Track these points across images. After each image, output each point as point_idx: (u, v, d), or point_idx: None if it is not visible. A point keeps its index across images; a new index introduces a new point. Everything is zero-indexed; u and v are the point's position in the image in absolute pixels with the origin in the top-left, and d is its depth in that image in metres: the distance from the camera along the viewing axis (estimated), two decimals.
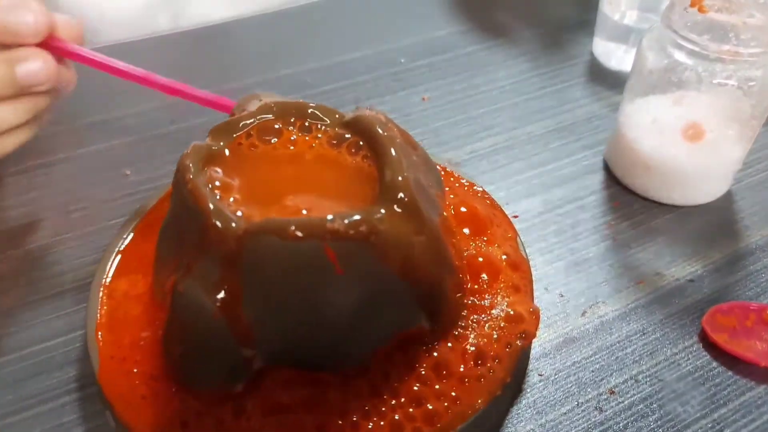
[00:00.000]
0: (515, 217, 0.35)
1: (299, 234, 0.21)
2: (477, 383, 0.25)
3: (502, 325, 0.26)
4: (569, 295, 0.32)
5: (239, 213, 0.23)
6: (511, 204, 0.36)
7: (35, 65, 0.32)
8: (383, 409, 0.24)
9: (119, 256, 0.30)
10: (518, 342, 0.26)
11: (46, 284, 0.32)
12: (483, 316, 0.27)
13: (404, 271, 0.23)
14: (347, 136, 0.26)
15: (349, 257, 0.22)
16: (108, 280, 0.29)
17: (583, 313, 0.31)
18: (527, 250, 0.33)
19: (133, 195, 0.37)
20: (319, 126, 0.27)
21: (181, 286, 0.23)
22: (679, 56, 0.32)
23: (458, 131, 0.41)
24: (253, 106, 0.28)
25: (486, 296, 0.28)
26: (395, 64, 0.47)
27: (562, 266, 0.33)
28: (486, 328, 0.26)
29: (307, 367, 0.24)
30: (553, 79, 0.45)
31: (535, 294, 0.31)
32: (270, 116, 0.27)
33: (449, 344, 0.26)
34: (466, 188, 0.33)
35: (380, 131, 0.25)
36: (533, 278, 0.31)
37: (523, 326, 0.27)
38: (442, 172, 0.33)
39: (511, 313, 0.27)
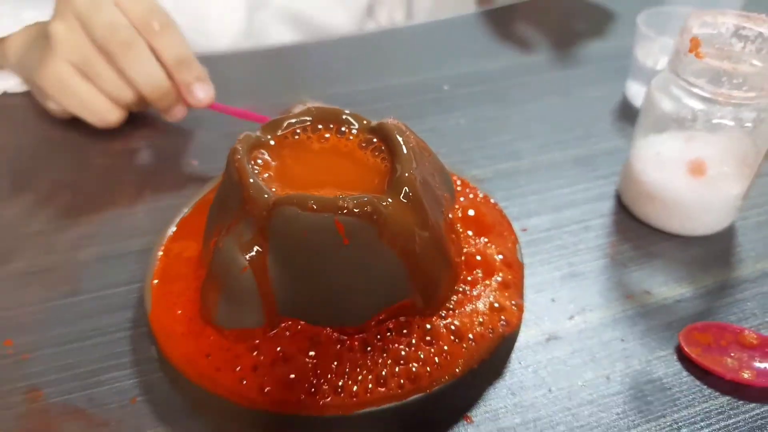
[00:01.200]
0: (524, 230, 0.39)
1: (314, 206, 0.26)
2: (456, 355, 0.29)
3: (485, 312, 0.30)
4: (560, 300, 0.35)
5: (273, 189, 0.28)
6: (522, 219, 0.40)
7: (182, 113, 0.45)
8: (370, 364, 0.28)
9: (177, 226, 0.36)
10: (500, 329, 0.30)
11: (118, 245, 0.38)
12: (469, 304, 0.31)
13: (404, 253, 0.28)
14: (374, 140, 0.32)
15: (355, 231, 0.27)
16: (166, 243, 0.34)
17: (571, 317, 0.34)
18: (529, 259, 0.37)
19: (196, 180, 0.43)
20: (351, 130, 0.32)
21: (221, 243, 0.28)
22: (682, 97, 0.35)
23: (486, 152, 0.45)
24: (298, 110, 0.33)
25: (477, 287, 0.32)
26: (439, 90, 0.52)
27: (559, 275, 0.36)
28: (468, 310, 0.30)
29: (313, 321, 0.29)
30: (583, 114, 0.49)
31: (528, 295, 0.35)
32: (310, 118, 0.32)
33: (436, 320, 0.30)
34: (479, 199, 0.37)
35: (398, 136, 0.30)
36: (528, 282, 0.35)
37: (506, 316, 0.31)
38: (459, 183, 0.38)
39: (496, 305, 0.31)
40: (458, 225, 0.34)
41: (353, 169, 0.31)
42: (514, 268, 0.33)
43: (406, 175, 0.29)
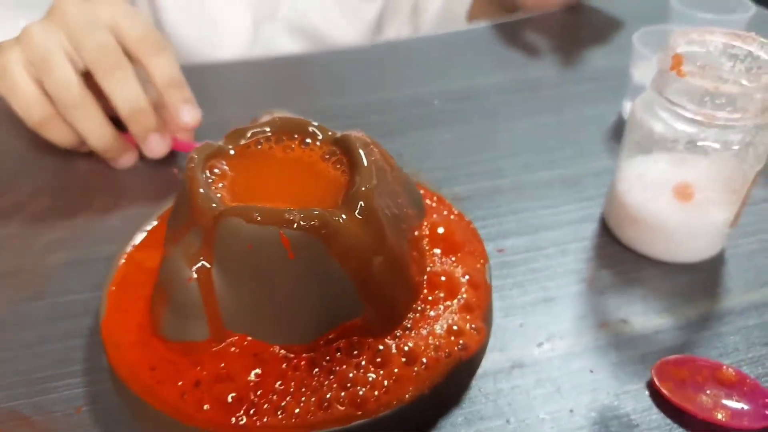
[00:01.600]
0: (500, 251, 0.38)
1: (259, 218, 0.26)
2: (406, 379, 0.28)
3: (442, 335, 0.29)
4: (529, 326, 0.34)
5: (223, 199, 0.28)
6: (499, 240, 0.39)
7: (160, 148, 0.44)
8: (314, 384, 0.27)
9: (144, 234, 0.35)
10: (457, 353, 0.29)
11: (88, 250, 0.38)
12: (426, 325, 0.30)
13: (355, 271, 0.27)
14: (337, 152, 0.31)
15: (301, 246, 0.26)
16: (129, 250, 0.34)
17: (539, 344, 0.33)
18: (500, 281, 0.35)
19: (177, 189, 0.43)
20: (316, 141, 0.31)
21: (169, 252, 0.28)
22: (666, 118, 0.34)
23: (468, 169, 0.44)
24: (265, 120, 0.33)
25: (437, 308, 0.30)
26: (429, 105, 0.51)
27: (530, 300, 0.35)
28: (425, 332, 0.29)
29: (261, 337, 0.28)
30: (574, 133, 0.48)
31: (496, 319, 0.34)
32: (272, 128, 0.31)
33: (390, 341, 0.29)
34: (453, 217, 0.36)
35: (359, 149, 0.30)
36: (497, 305, 0.34)
37: (464, 339, 0.29)
38: (434, 199, 0.36)
39: (455, 327, 0.30)
40: (425, 242, 0.33)
41: (312, 181, 0.30)
42: (481, 289, 0.32)
43: (363, 189, 0.28)
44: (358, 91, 0.54)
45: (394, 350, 0.28)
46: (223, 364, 0.28)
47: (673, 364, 0.31)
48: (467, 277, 0.32)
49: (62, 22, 0.41)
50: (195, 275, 0.27)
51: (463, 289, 0.32)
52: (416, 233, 0.33)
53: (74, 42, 0.41)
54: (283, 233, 0.26)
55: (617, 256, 0.38)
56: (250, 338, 0.28)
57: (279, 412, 0.26)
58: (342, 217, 0.27)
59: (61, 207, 0.42)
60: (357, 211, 0.27)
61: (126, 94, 0.41)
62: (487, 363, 0.32)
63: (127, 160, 0.44)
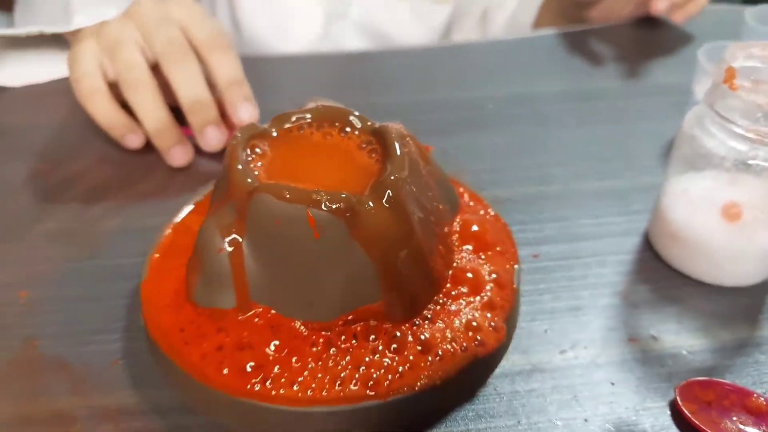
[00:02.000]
0: (535, 256, 0.38)
1: (288, 196, 0.27)
2: (419, 368, 0.28)
3: (459, 329, 0.29)
4: (554, 332, 0.33)
5: (255, 174, 0.29)
6: (536, 245, 0.38)
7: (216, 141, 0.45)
8: (330, 364, 0.28)
9: (191, 207, 0.37)
10: (473, 348, 0.29)
11: (142, 220, 0.41)
12: (446, 317, 0.30)
13: (377, 256, 0.28)
14: (373, 142, 0.32)
15: (326, 226, 0.27)
16: (175, 221, 0.36)
17: (562, 351, 0.32)
18: (531, 286, 0.35)
19: None
20: (354, 131, 0.32)
21: (204, 223, 0.29)
22: (716, 133, 0.33)
23: (516, 173, 0.44)
24: (323, 108, 0.34)
25: (459, 302, 0.31)
26: (482, 108, 0.51)
27: (560, 306, 0.35)
28: (442, 325, 0.29)
29: (284, 311, 0.29)
30: (629, 146, 0.47)
31: (521, 323, 0.33)
32: (312, 116, 0.33)
33: (407, 329, 0.29)
34: (489, 217, 0.36)
35: (395, 140, 0.30)
36: (524, 309, 0.34)
37: (482, 336, 0.29)
38: (471, 200, 0.37)
39: (474, 323, 0.30)
40: (455, 237, 0.34)
41: (347, 167, 0.31)
42: (506, 290, 0.32)
43: (392, 178, 0.29)
44: (414, 89, 0.54)
45: (410, 338, 0.29)
46: (245, 333, 0.29)
47: (700, 386, 0.30)
48: (494, 276, 0.32)
49: (137, 18, 0.44)
50: (226, 246, 0.28)
51: (488, 287, 0.32)
52: (446, 229, 0.33)
53: (146, 35, 0.43)
54: (310, 212, 0.27)
55: (656, 273, 0.37)
56: (273, 311, 0.29)
57: (294, 386, 0.27)
58: (368, 203, 0.27)
59: (121, 177, 0.44)
60: (384, 198, 0.28)
61: (189, 84, 0.43)
62: (507, 364, 0.32)
63: (181, 154, 0.45)
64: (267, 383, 0.27)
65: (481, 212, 0.37)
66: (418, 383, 0.28)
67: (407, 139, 0.31)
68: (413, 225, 0.29)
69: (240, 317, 0.29)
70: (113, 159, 0.46)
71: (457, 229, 0.34)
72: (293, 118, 0.33)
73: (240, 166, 0.29)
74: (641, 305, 0.35)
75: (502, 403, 0.30)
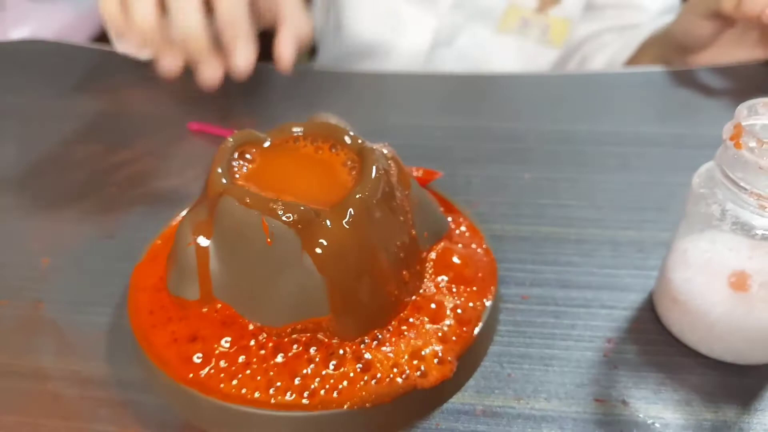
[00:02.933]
0: (524, 297, 0.36)
1: (248, 202, 0.28)
2: (354, 388, 0.28)
3: (404, 356, 0.29)
4: (518, 378, 0.32)
5: (239, 182, 0.31)
6: (529, 287, 0.37)
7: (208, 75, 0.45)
8: (272, 368, 0.29)
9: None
10: (413, 379, 0.29)
11: (164, 209, 0.44)
12: (393, 342, 0.30)
13: (326, 272, 0.28)
14: (356, 161, 0.32)
15: (279, 235, 0.28)
16: (183, 213, 0.39)
17: (519, 399, 0.31)
18: (509, 327, 0.35)
19: None
20: (343, 149, 0.33)
21: (183, 218, 0.32)
22: (722, 193, 0.30)
23: (533, 211, 0.43)
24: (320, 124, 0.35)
25: (413, 331, 0.30)
26: (523, 141, 0.50)
27: (533, 353, 0.33)
28: (387, 349, 0.29)
29: (239, 311, 0.31)
30: (667, 199, 0.44)
31: (486, 363, 0.33)
32: (306, 130, 0.34)
33: (352, 347, 0.30)
34: (480, 251, 0.36)
35: (373, 161, 0.31)
36: (493, 349, 0.33)
37: (426, 367, 0.29)
38: (467, 231, 0.36)
39: (423, 353, 0.30)
40: (429, 265, 0.33)
41: (327, 182, 0.32)
42: (468, 327, 0.31)
43: (357, 197, 0.29)
44: (458, 114, 0.54)
45: (350, 356, 0.29)
46: (202, 325, 0.31)
47: None
48: (459, 311, 0.32)
49: None
50: (194, 241, 0.30)
51: (447, 321, 0.31)
52: (423, 255, 0.33)
53: None
54: (265, 220, 0.28)
55: (649, 335, 0.34)
56: (233, 310, 0.31)
57: (233, 381, 0.29)
58: (326, 219, 0.28)
59: (160, 170, 0.48)
60: (345, 216, 0.29)
61: (184, 15, 0.42)
62: (457, 401, 0.31)
63: (211, 71, 0.44)
64: (210, 374, 0.29)
65: (473, 245, 0.36)
66: (348, 403, 0.28)
67: (389, 161, 0.32)
68: (371, 246, 0.29)
69: (203, 310, 0.31)
70: (158, 153, 0.50)
71: (433, 257, 0.34)
72: (290, 130, 0.34)
73: (219, 169, 0.31)
74: (622, 366, 0.33)
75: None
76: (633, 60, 0.69)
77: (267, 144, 0.34)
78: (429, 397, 0.30)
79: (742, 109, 0.30)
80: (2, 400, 0.31)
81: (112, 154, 0.50)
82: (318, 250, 0.28)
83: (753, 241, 0.30)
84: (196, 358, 0.29)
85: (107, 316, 0.35)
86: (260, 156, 0.33)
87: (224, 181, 0.30)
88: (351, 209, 0.29)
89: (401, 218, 0.31)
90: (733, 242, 0.31)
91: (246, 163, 0.32)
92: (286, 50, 0.48)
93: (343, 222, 0.28)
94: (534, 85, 0.59)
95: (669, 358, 0.33)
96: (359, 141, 0.33)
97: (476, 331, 0.31)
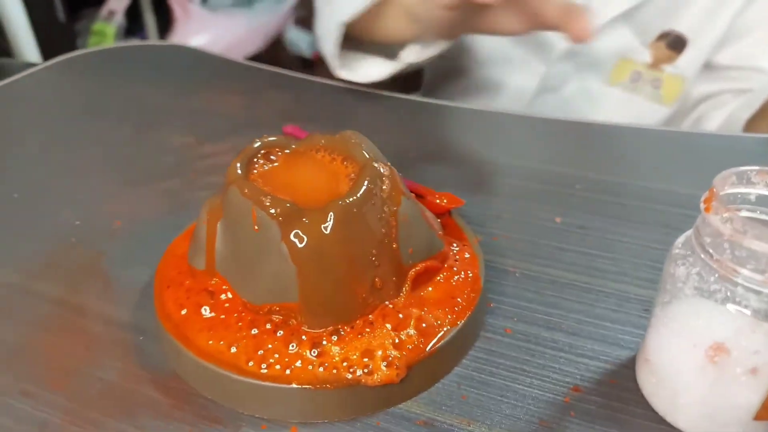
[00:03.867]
0: (507, 331, 0.37)
1: (246, 192, 0.33)
2: (305, 372, 0.32)
3: (356, 353, 0.32)
4: (469, 402, 0.33)
5: (255, 172, 0.36)
6: (513, 321, 0.38)
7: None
8: (242, 338, 0.33)
9: None
10: (359, 375, 0.32)
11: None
12: (352, 339, 0.33)
13: (299, 263, 0.32)
14: (356, 173, 0.36)
15: (264, 224, 0.32)
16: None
17: (461, 420, 0.32)
18: (482, 355, 0.36)
19: None
20: (351, 162, 0.37)
21: (208, 199, 0.37)
22: (695, 262, 0.30)
23: (548, 253, 0.43)
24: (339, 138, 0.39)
25: (374, 333, 0.33)
26: (569, 187, 0.50)
27: (494, 383, 0.34)
28: (340, 344, 0.32)
29: (233, 285, 0.35)
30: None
31: (445, 381, 0.35)
32: (327, 142, 0.38)
33: (315, 336, 0.33)
34: (470, 278, 0.37)
35: (366, 177, 0.34)
36: (458, 371, 0.35)
37: (374, 366, 0.32)
38: (467, 255, 0.38)
39: (377, 353, 0.32)
40: (409, 278, 0.36)
41: (328, 188, 0.36)
42: (427, 340, 0.33)
43: (339, 203, 0.33)
44: (522, 152, 0.55)
45: (308, 342, 0.33)
46: (198, 292, 0.36)
47: None
48: (424, 325, 0.34)
49: None
50: (206, 221, 0.36)
51: (409, 331, 0.33)
52: (405, 268, 0.36)
53: None
54: (254, 209, 0.32)
55: (621, 392, 0.34)
56: (228, 284, 0.36)
57: (209, 341, 0.33)
58: (305, 218, 0.32)
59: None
60: (324, 218, 0.32)
61: None
62: (403, 408, 0.33)
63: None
64: (190, 332, 0.34)
65: (468, 273, 0.38)
66: (296, 383, 0.31)
67: (384, 178, 0.35)
68: (344, 248, 0.33)
69: (211, 281, 0.36)
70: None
71: (412, 273, 0.36)
72: (315, 140, 0.39)
73: (238, 164, 0.36)
74: (579, 414, 0.33)
75: None
76: (752, 125, 0.65)
77: (291, 149, 0.38)
78: (377, 397, 0.32)
79: (730, 175, 0.29)
80: (45, 322, 0.39)
81: (202, 146, 0.58)
82: (294, 242, 0.32)
83: (725, 310, 0.29)
84: (182, 312, 0.35)
85: (147, 276, 0.42)
86: (283, 158, 0.38)
87: (239, 173, 0.35)
88: (331, 213, 0.32)
89: (383, 230, 0.34)
90: (705, 311, 0.30)
91: (268, 163, 0.37)
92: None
93: (321, 223, 0.32)
94: (610, 135, 0.59)
95: (632, 419, 0.32)
96: (366, 157, 0.37)
97: (433, 346, 0.33)
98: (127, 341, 0.37)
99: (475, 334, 0.37)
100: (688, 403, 0.31)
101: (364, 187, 0.34)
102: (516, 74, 0.74)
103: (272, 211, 0.32)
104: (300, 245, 0.32)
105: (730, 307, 0.28)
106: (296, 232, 0.32)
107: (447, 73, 0.80)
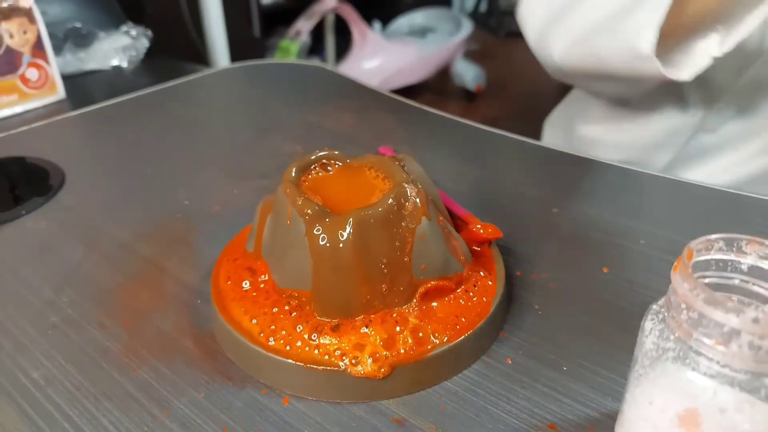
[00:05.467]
0: (507, 361, 0.39)
1: (287, 192, 0.39)
2: (304, 352, 0.37)
3: (348, 342, 0.36)
4: (447, 413, 0.36)
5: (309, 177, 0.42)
6: (516, 353, 0.39)
7: None
8: (264, 314, 0.39)
9: None
10: (345, 365, 0.36)
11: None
12: (348, 332, 0.37)
13: (315, 255, 0.37)
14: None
15: (295, 220, 0.38)
16: None
17: (432, 426, 0.35)
18: (474, 377, 0.38)
19: None
20: (392, 179, 0.41)
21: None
22: (664, 324, 0.30)
23: (581, 300, 0.44)
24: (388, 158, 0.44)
25: (371, 329, 0.37)
26: (634, 241, 0.50)
27: (472, 401, 0.36)
28: (332, 329, 0.37)
29: (270, 267, 0.41)
30: None
31: (431, 390, 0.37)
32: (375, 161, 0.43)
33: (320, 320, 0.38)
34: (483, 303, 0.40)
35: (392, 195, 0.38)
36: (448, 383, 0.38)
37: (360, 358, 0.36)
38: (488, 283, 0.41)
39: (365, 347, 0.36)
40: (422, 291, 0.39)
41: (362, 200, 0.40)
42: (420, 349, 0.37)
43: (361, 213, 0.37)
44: (587, 200, 0.56)
45: (311, 327, 0.37)
46: (242, 270, 0.42)
47: None
48: (420, 334, 0.37)
49: None
50: (259, 213, 0.42)
51: (406, 338, 0.37)
52: (415, 282, 0.39)
53: None
54: (289, 207, 0.38)
55: None
56: (267, 266, 0.42)
57: (239, 310, 0.40)
58: (327, 219, 0.37)
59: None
60: (344, 223, 0.37)
61: None
62: (383, 405, 0.36)
63: None
64: (226, 297, 0.40)
65: (482, 299, 0.40)
66: (292, 357, 0.36)
67: (410, 198, 0.39)
68: (357, 252, 0.37)
69: (252, 260, 0.43)
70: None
71: (422, 288, 0.39)
72: (366, 158, 0.44)
73: (294, 169, 0.42)
74: None
75: (350, 427, 0.35)
76: None
77: (345, 163, 0.44)
78: (360, 387, 0.36)
79: (718, 240, 0.29)
80: (135, 274, 0.48)
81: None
82: (315, 239, 0.37)
83: (698, 377, 0.29)
84: (227, 282, 0.41)
85: (217, 251, 0.50)
86: (337, 170, 0.43)
87: (293, 176, 0.41)
88: (351, 219, 0.37)
89: (397, 243, 0.38)
90: (677, 377, 0.29)
91: (322, 171, 0.43)
92: None
93: (340, 226, 0.37)
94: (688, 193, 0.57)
95: None
96: (402, 177, 0.41)
97: (422, 354, 0.36)
98: (188, 301, 0.45)
99: (473, 356, 0.39)
100: None
101: (387, 203, 0.38)
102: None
103: (302, 209, 0.38)
104: (319, 242, 0.37)
105: (690, 374, 0.28)
106: (318, 230, 0.37)
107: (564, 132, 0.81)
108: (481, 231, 0.45)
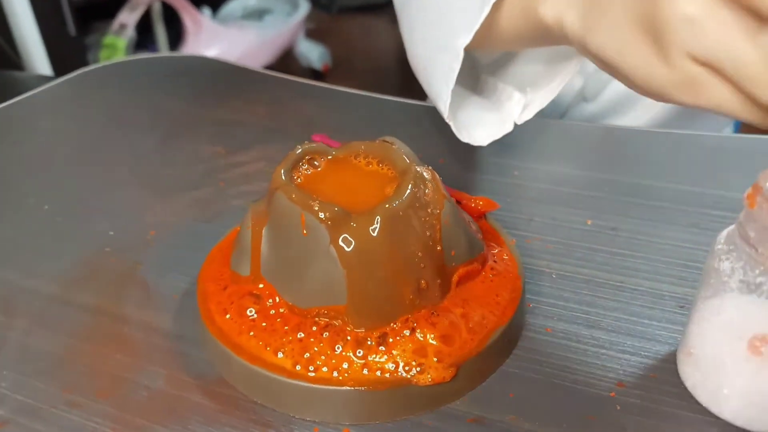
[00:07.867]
0: (548, 330, 0.38)
1: (293, 197, 0.34)
2: (354, 372, 0.32)
3: (406, 350, 0.33)
4: (519, 398, 0.34)
5: (298, 180, 0.36)
6: (554, 320, 0.38)
7: None
8: (285, 343, 0.33)
9: None
10: (410, 374, 0.32)
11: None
12: (393, 340, 0.33)
13: (348, 266, 0.33)
14: (397, 177, 0.37)
15: (313, 228, 0.33)
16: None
17: (512, 416, 0.33)
18: (524, 354, 0.37)
19: None
20: (390, 166, 0.37)
21: (251, 206, 0.38)
22: (737, 254, 0.30)
23: (581, 254, 0.44)
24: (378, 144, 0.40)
25: (416, 333, 0.34)
26: (600, 190, 0.51)
27: (537, 379, 0.35)
28: (379, 339, 0.33)
29: (278, 290, 0.36)
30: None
31: (490, 380, 0.35)
32: (366, 148, 0.39)
33: (362, 335, 0.33)
34: (510, 279, 0.38)
35: (410, 181, 0.35)
36: (504, 369, 0.35)
37: (426, 364, 0.32)
38: (506, 258, 0.39)
39: (425, 353, 0.33)
40: (454, 280, 0.36)
41: (369, 191, 0.36)
42: (475, 338, 0.34)
43: (386, 206, 0.33)
44: (553, 159, 0.56)
45: (354, 343, 0.33)
46: (241, 296, 0.36)
47: None
48: (471, 324, 0.34)
49: None
50: (251, 226, 0.36)
51: (457, 331, 0.34)
52: (449, 270, 0.36)
53: None
54: (303, 214, 0.33)
55: (664, 386, 0.34)
56: (273, 289, 0.36)
57: (256, 344, 0.34)
58: (352, 222, 0.33)
59: (266, 171, 0.55)
60: (372, 221, 0.33)
61: None
62: (450, 407, 0.33)
63: None
64: (235, 333, 0.34)
65: (509, 274, 0.38)
66: (344, 384, 0.32)
67: (427, 182, 0.36)
68: (391, 250, 0.33)
69: (258, 285, 0.36)
70: (272, 159, 0.57)
71: (455, 277, 0.36)
72: (351, 147, 0.39)
73: (283, 170, 0.36)
74: (625, 408, 0.33)
75: None
76: None
77: (332, 156, 0.39)
78: (425, 396, 0.33)
79: None
80: (87, 332, 0.39)
81: (230, 155, 0.58)
82: (343, 246, 0.33)
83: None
84: (227, 317, 0.35)
85: (186, 283, 0.42)
86: (325, 164, 0.38)
87: (282, 178, 0.35)
88: (378, 216, 0.33)
89: (428, 233, 0.35)
90: (747, 304, 0.30)
91: (311, 168, 0.38)
92: None
93: (369, 226, 0.33)
94: (638, 140, 0.60)
95: (676, 411, 0.33)
96: (407, 162, 0.37)
97: (481, 343, 0.34)
98: (171, 348, 0.38)
99: (518, 334, 0.37)
100: (732, 393, 0.32)
101: (408, 191, 0.34)
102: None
103: (321, 215, 0.33)
104: (348, 249, 0.33)
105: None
106: (345, 236, 0.33)
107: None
108: (480, 204, 0.43)
